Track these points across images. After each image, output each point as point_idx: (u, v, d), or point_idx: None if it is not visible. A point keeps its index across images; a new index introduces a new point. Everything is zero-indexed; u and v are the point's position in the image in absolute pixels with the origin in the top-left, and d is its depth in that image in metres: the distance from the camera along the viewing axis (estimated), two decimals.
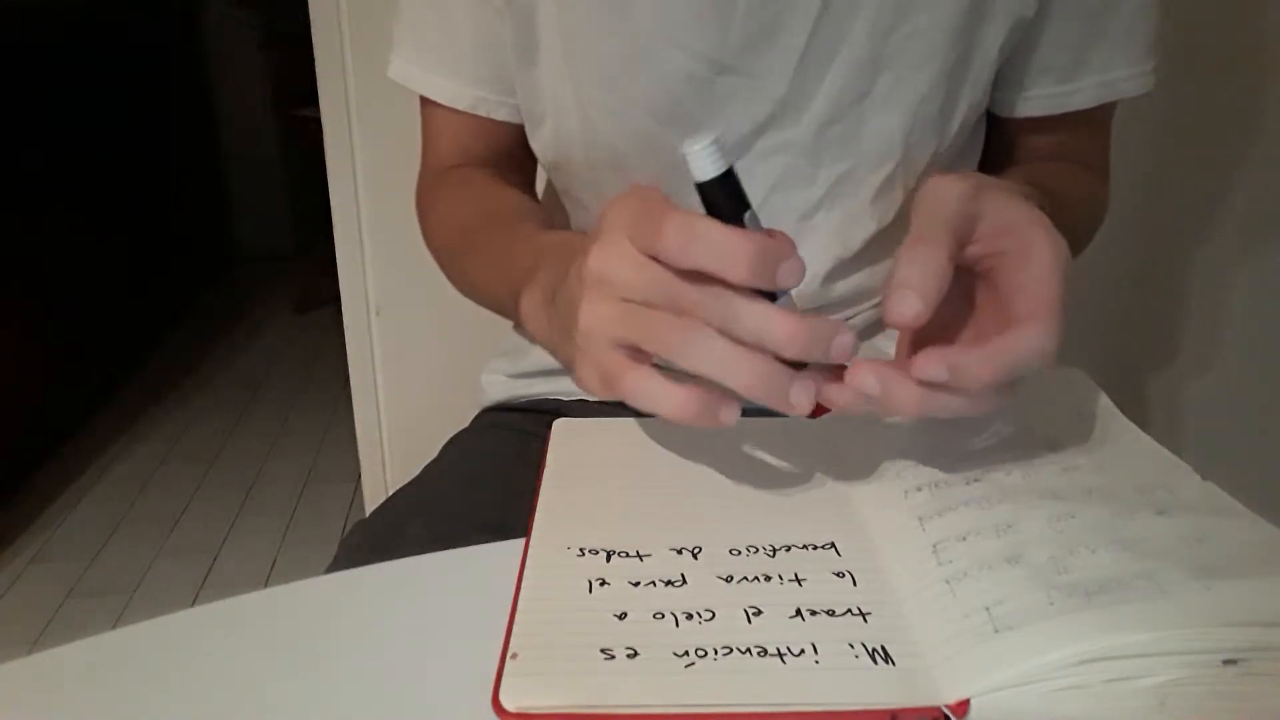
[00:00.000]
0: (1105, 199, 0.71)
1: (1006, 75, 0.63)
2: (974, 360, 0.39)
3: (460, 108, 0.67)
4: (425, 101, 0.69)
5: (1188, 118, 1.14)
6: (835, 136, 0.59)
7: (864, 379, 0.40)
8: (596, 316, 0.41)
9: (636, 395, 0.40)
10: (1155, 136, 1.14)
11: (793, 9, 0.56)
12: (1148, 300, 1.25)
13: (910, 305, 0.39)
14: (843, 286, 0.64)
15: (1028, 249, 0.41)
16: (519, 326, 0.73)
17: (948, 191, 0.42)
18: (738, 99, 0.58)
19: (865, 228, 0.62)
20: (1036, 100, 0.64)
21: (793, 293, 0.41)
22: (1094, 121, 0.67)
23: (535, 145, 0.67)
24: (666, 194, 0.41)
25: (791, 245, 0.39)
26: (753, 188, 0.60)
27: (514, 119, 0.67)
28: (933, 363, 0.39)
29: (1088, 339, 1.22)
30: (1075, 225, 0.66)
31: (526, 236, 0.59)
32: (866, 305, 0.66)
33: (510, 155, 0.70)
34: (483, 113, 0.67)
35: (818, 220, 0.61)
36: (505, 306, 0.60)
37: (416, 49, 0.67)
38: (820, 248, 0.62)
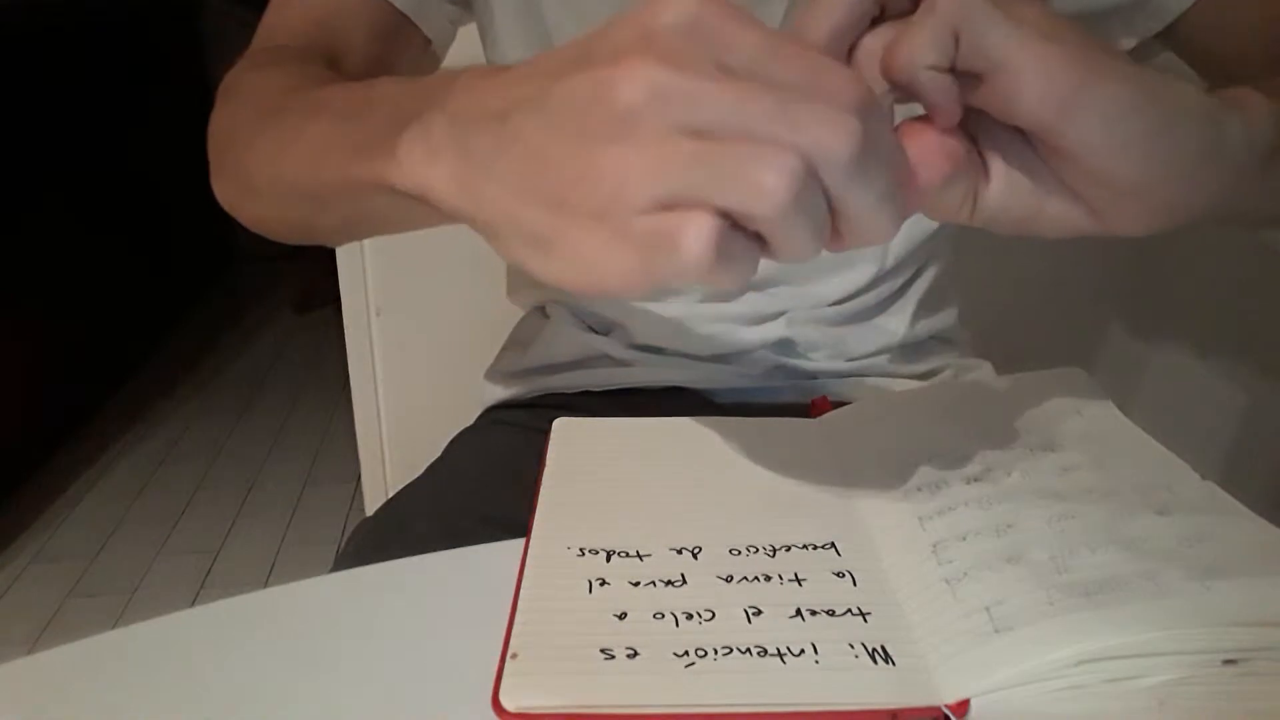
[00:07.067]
0: None
1: None
2: (909, 31, 0.32)
3: None
4: None
5: None
6: None
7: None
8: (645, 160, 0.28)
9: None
10: None
11: None
12: (1147, 298, 1.25)
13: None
14: None
15: None
16: (518, 331, 0.73)
17: None
18: None
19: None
20: None
21: None
22: None
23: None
24: None
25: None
26: None
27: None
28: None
29: (1087, 336, 1.22)
30: None
31: (393, 82, 0.42)
32: None
33: (368, 51, 0.58)
34: None
35: None
36: (342, 174, 0.39)
37: None
38: None
